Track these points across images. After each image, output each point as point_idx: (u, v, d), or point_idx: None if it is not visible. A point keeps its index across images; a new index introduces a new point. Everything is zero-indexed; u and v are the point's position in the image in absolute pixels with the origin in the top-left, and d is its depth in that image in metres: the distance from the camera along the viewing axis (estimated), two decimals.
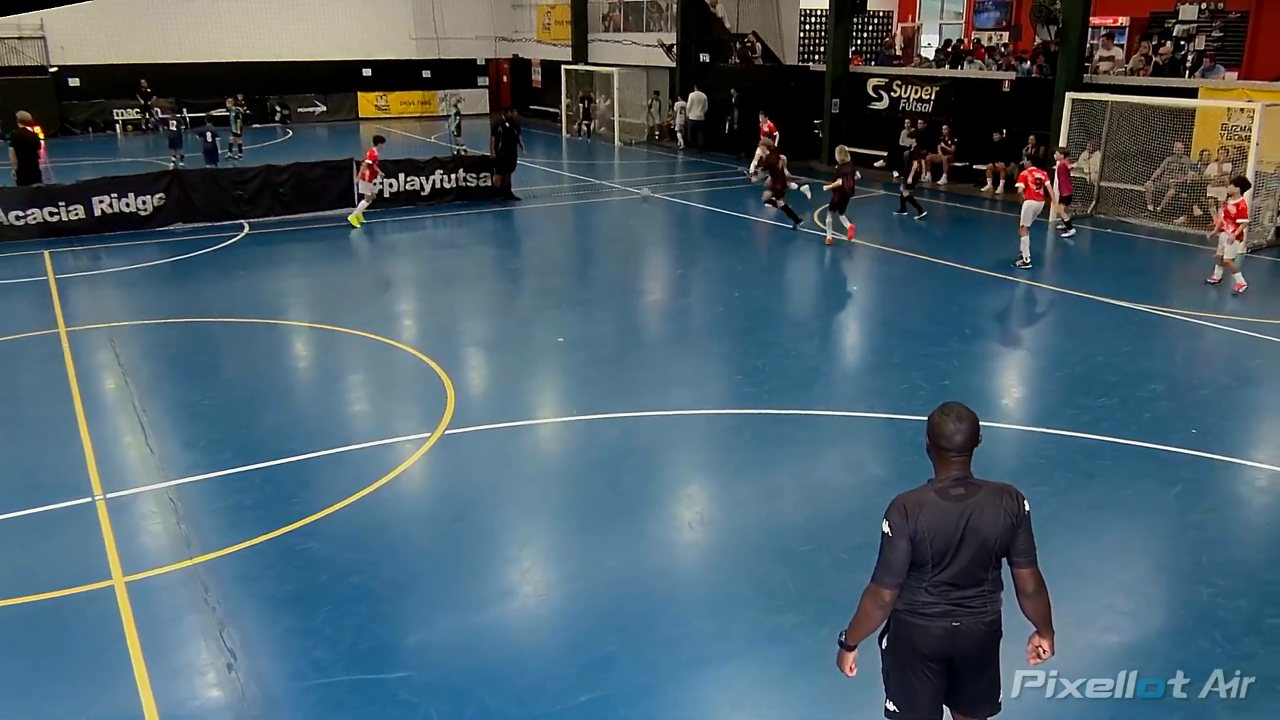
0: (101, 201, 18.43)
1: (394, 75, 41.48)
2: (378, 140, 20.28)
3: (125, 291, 15.16)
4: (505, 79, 43.94)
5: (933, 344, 12.46)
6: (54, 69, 34.64)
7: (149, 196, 18.83)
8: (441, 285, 16.04)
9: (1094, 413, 10.10)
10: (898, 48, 31.87)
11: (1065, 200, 18.40)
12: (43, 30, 34.56)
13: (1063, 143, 20.01)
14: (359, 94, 41.01)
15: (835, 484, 8.78)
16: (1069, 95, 20.79)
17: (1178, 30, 25.04)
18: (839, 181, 17.67)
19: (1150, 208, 20.04)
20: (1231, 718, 5.75)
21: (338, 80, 40.31)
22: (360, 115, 40.87)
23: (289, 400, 10.88)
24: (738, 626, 6.56)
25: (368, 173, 19.81)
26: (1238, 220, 14.39)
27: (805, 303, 15.74)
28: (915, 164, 20.68)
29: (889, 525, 4.20)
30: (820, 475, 8.99)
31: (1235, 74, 23.08)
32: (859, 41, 32.12)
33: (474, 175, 22.06)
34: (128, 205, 18.67)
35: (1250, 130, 17.67)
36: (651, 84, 35.06)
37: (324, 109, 40.21)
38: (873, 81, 27.21)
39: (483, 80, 43.83)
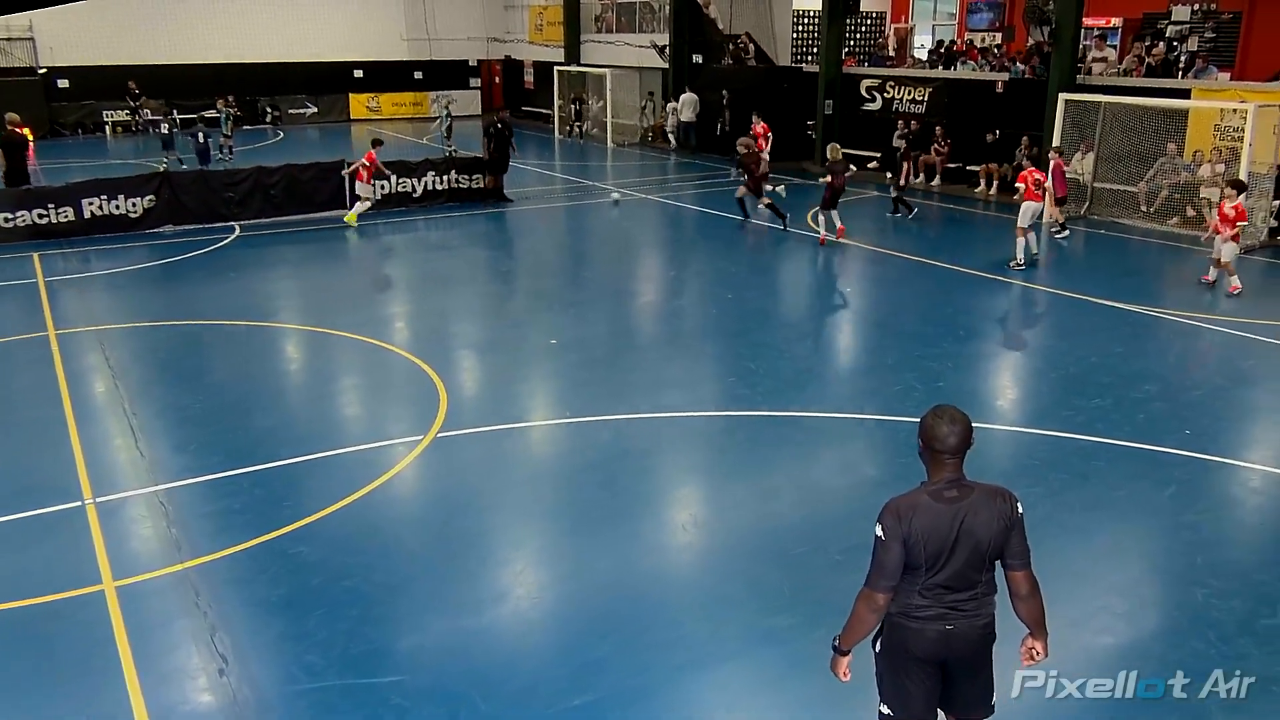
0: (91, 203, 18.35)
1: (385, 76, 41.40)
2: (376, 143, 20.24)
3: (115, 294, 15.10)
4: (497, 80, 43.89)
5: (927, 345, 12.46)
6: (43, 70, 34.50)
7: (139, 198, 18.76)
8: (434, 287, 15.99)
9: (1088, 414, 10.09)
10: (891, 49, 31.85)
11: (1060, 201, 18.41)
12: (32, 31, 34.43)
13: (1056, 143, 20.01)
14: (350, 95, 40.93)
15: (829, 485, 8.76)
16: (1062, 96, 20.83)
17: (1170, 31, 25.09)
18: (829, 177, 17.75)
19: (1144, 208, 20.07)
20: (1228, 718, 5.74)
21: (329, 81, 40.21)
22: (352, 117, 40.79)
23: (280, 403, 10.83)
24: (731, 629, 6.54)
25: (364, 174, 19.76)
26: (1236, 223, 14.40)
27: (798, 304, 15.73)
28: (905, 164, 20.66)
29: (882, 529, 4.18)
30: (814, 477, 8.97)
31: (1228, 75, 23.10)
32: (852, 42, 32.08)
33: (466, 177, 22.01)
34: (118, 207, 18.60)
35: (1243, 131, 17.70)
36: (644, 85, 35.03)
37: (315, 110, 40.11)
38: (866, 82, 27.22)
39: (475, 81, 43.78)
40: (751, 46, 30.38)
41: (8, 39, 34.12)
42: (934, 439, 4.19)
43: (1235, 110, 18.56)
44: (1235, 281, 14.50)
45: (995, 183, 23.34)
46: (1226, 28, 25.43)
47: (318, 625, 6.53)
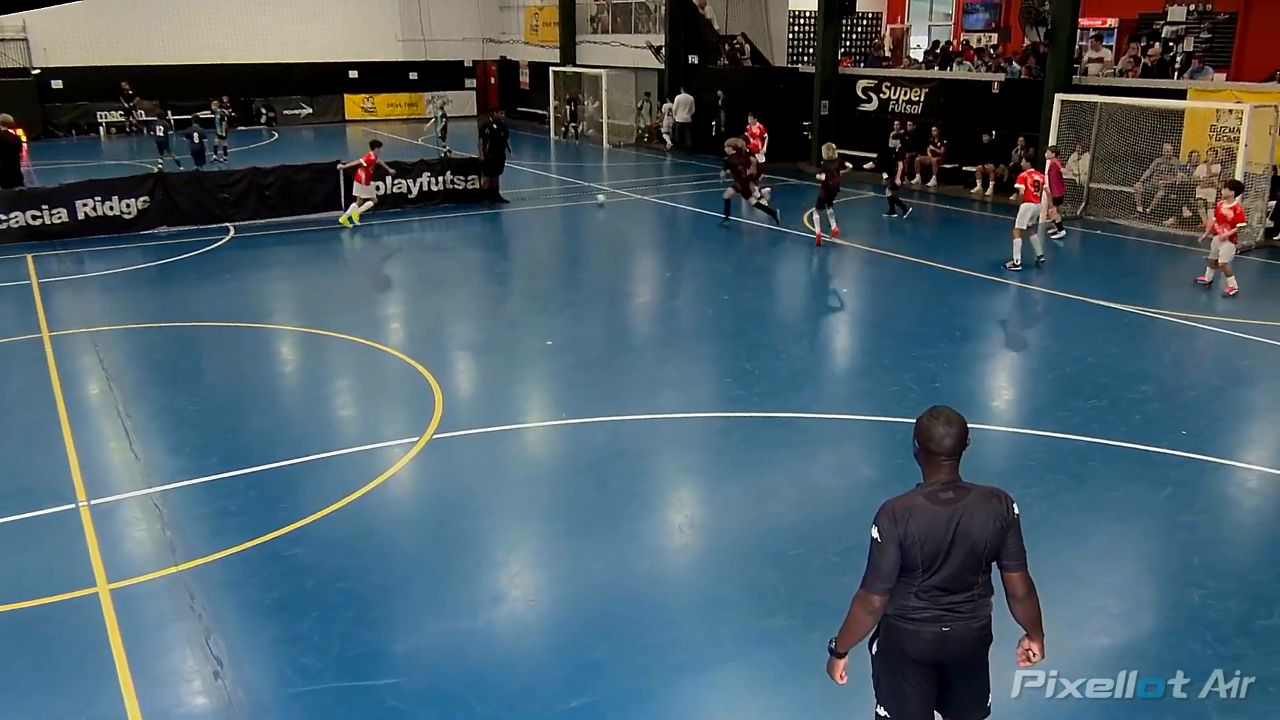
0: (85, 205, 18.30)
1: (380, 77, 41.33)
2: (374, 144, 20.21)
3: (109, 296, 15.05)
4: (493, 81, 43.86)
5: (923, 346, 12.45)
6: (36, 71, 34.39)
7: (133, 199, 18.71)
8: (429, 288, 15.96)
9: (1084, 414, 10.09)
10: (887, 49, 31.87)
11: (1057, 201, 18.42)
12: (25, 32, 34.33)
13: (1051, 143, 20.00)
14: (345, 96, 40.82)
15: (826, 486, 8.75)
16: (1058, 97, 20.82)
17: (1166, 31, 25.11)
18: (823, 175, 17.86)
19: (1140, 209, 20.09)
20: (1226, 718, 5.74)
21: (324, 82, 40.12)
22: (346, 117, 40.71)
23: (275, 405, 10.80)
24: (728, 630, 6.53)
25: (362, 175, 19.75)
26: (1235, 224, 14.41)
27: (795, 305, 15.72)
28: (899, 164, 20.64)
29: (878, 531, 4.18)
30: (810, 478, 8.95)
31: (1224, 75, 23.14)
32: (848, 43, 32.10)
33: (462, 178, 21.98)
34: (111, 208, 18.55)
35: (1239, 132, 17.73)
36: (640, 86, 35.02)
37: (310, 111, 40.01)
38: (862, 83, 27.23)
39: (470, 82, 43.74)
40: (747, 47, 30.37)
41: (1, 39, 34.03)
42: (930, 440, 4.18)
43: (1231, 111, 18.59)
44: (1231, 282, 14.50)
45: (991, 183, 23.36)
46: (1222, 28, 25.47)
47: (313, 628, 6.50)
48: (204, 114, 28.03)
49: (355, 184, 19.87)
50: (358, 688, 5.94)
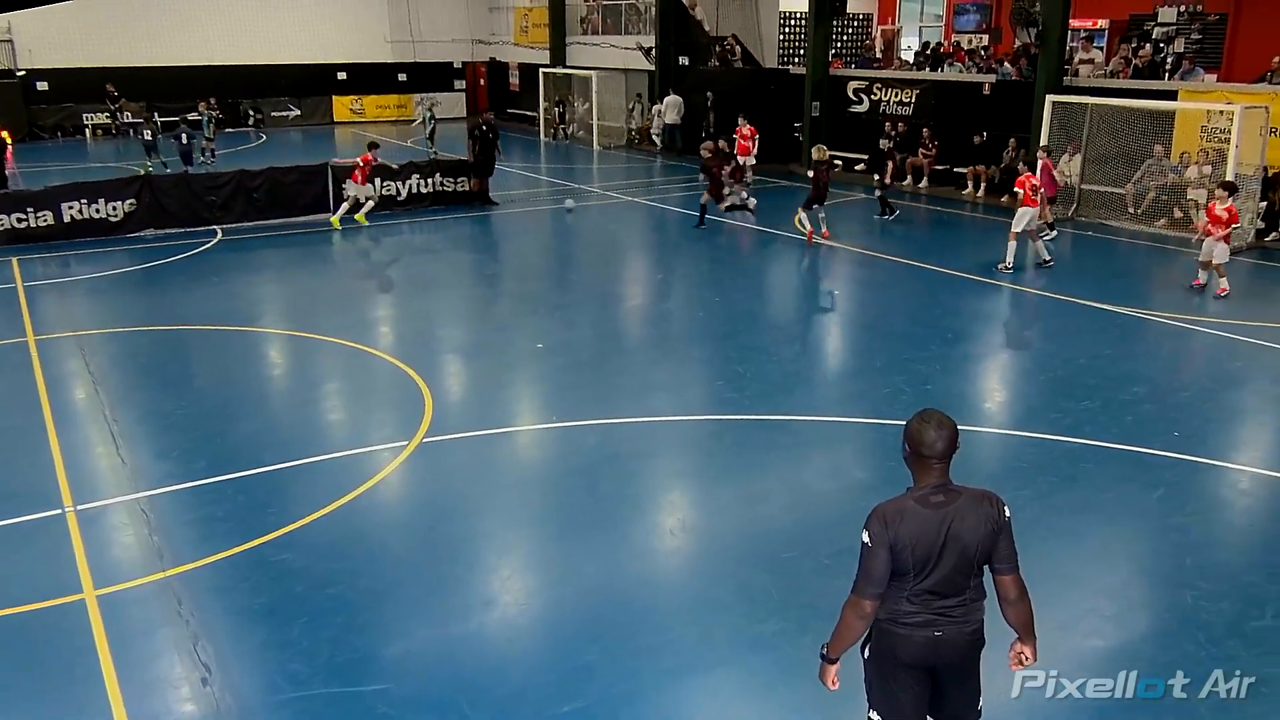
0: (71, 207, 18.19)
1: (369, 78, 41.22)
2: (372, 145, 20.20)
3: (96, 299, 14.98)
4: (482, 82, 43.77)
5: (915, 348, 12.44)
6: (22, 73, 34.20)
7: (120, 202, 18.61)
8: (418, 291, 15.91)
9: (1076, 416, 10.08)
10: (878, 50, 31.94)
11: (1050, 201, 18.45)
12: (10, 33, 34.11)
13: (1043, 143, 20.02)
14: (334, 97, 40.70)
15: (817, 489, 8.73)
16: (1049, 98, 20.87)
17: (1157, 33, 25.21)
18: (811, 173, 18.05)
19: (1131, 210, 20.12)
20: (1218, 718, 5.74)
21: (312, 84, 40.00)
22: (335, 119, 40.60)
23: (263, 409, 10.73)
24: (720, 634, 6.50)
25: (358, 174, 19.70)
26: (1230, 224, 14.42)
27: (786, 307, 15.70)
28: (889, 164, 20.64)
29: (869, 535, 4.15)
30: (802, 480, 8.93)
31: (1214, 76, 23.25)
32: (839, 44, 32.17)
33: (451, 180, 21.93)
34: (98, 211, 18.44)
35: (1229, 133, 17.77)
36: (631, 87, 34.97)
37: (298, 113, 39.90)
38: (853, 84, 27.23)
39: (459, 84, 43.66)
40: (738, 48, 30.38)
41: None
42: (921, 444, 4.16)
43: (1221, 112, 18.62)
44: (1223, 283, 14.52)
45: (983, 185, 23.36)
46: (1212, 29, 25.57)
47: (302, 633, 6.46)
48: (191, 116, 27.87)
49: (350, 183, 19.82)
50: (347, 694, 5.89)
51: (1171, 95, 20.45)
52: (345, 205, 19.91)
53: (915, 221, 21.37)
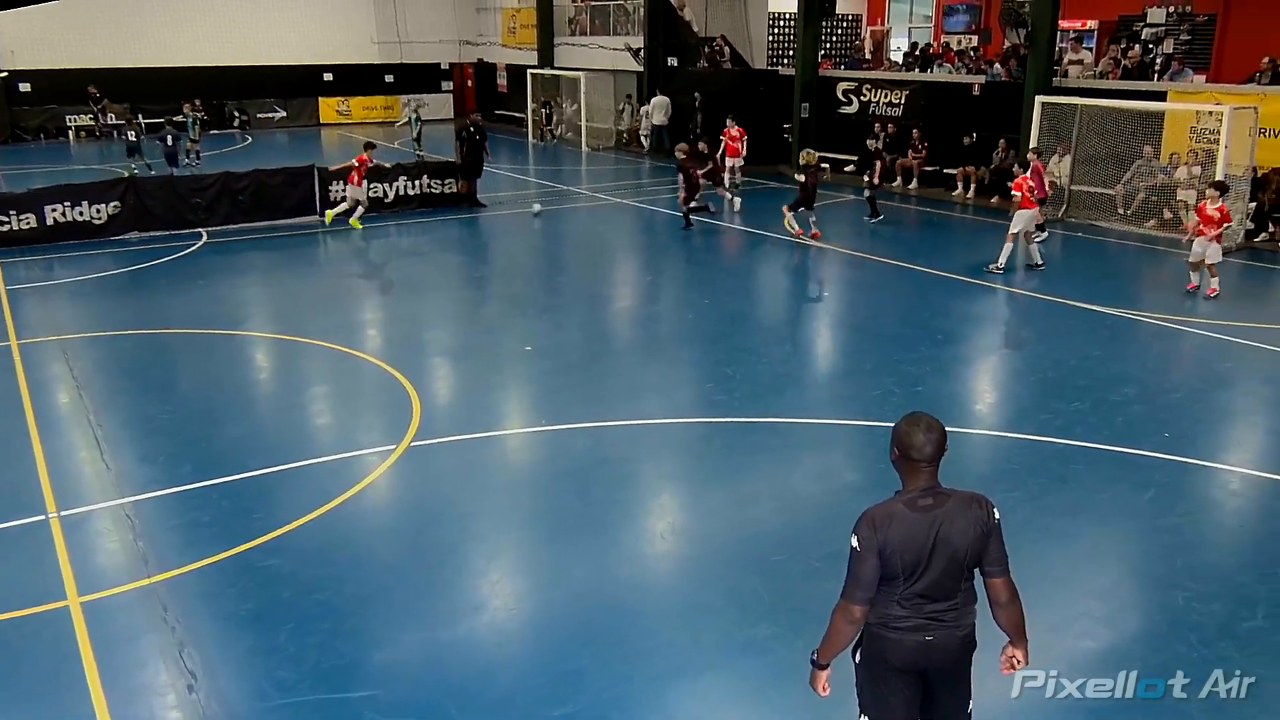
0: (54, 210, 18.04)
1: (356, 80, 41.03)
2: (369, 145, 20.17)
3: (79, 303, 14.88)
4: (470, 84, 43.68)
5: (905, 349, 12.42)
6: (4, 74, 33.85)
7: (103, 205, 18.47)
8: (406, 294, 15.85)
9: (1066, 417, 10.07)
10: (867, 51, 31.97)
11: (1041, 202, 18.46)
12: None
13: (1033, 144, 20.02)
14: (320, 99, 40.51)
15: (808, 491, 8.70)
16: (1039, 99, 20.90)
17: (1146, 33, 25.29)
18: (802, 176, 18.09)
19: (1121, 211, 20.16)
20: (1210, 718, 5.75)
21: (298, 85, 39.79)
22: (321, 121, 40.41)
23: (249, 413, 10.64)
24: (710, 638, 6.47)
25: (355, 176, 19.68)
26: (1222, 224, 14.43)
27: (776, 308, 15.68)
28: (878, 164, 20.63)
29: (857, 540, 4.13)
30: (793, 483, 8.89)
31: (1203, 77, 23.32)
32: (828, 45, 32.18)
33: (439, 182, 21.87)
34: (81, 214, 18.30)
35: (1219, 133, 17.81)
36: (619, 88, 34.92)
37: (284, 114, 39.68)
38: (842, 85, 27.24)
39: (447, 85, 43.54)
40: (727, 49, 30.37)
41: None
42: (910, 447, 4.14)
43: (1210, 113, 18.67)
44: (1214, 284, 14.54)
45: (972, 186, 23.38)
46: (1201, 30, 25.67)
47: (288, 639, 6.41)
48: (177, 118, 27.72)
49: (350, 186, 19.80)
50: (335, 700, 5.85)
51: (1161, 96, 20.52)
52: (344, 206, 19.88)
53: (905, 223, 21.39)
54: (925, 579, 4.11)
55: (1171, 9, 25.77)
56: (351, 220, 19.80)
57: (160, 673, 6.10)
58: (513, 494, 8.68)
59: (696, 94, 29.51)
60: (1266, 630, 6.52)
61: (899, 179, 24.48)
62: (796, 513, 8.30)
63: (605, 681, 6.03)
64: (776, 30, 32.06)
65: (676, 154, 20.08)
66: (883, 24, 35.04)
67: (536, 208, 21.84)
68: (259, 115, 39.05)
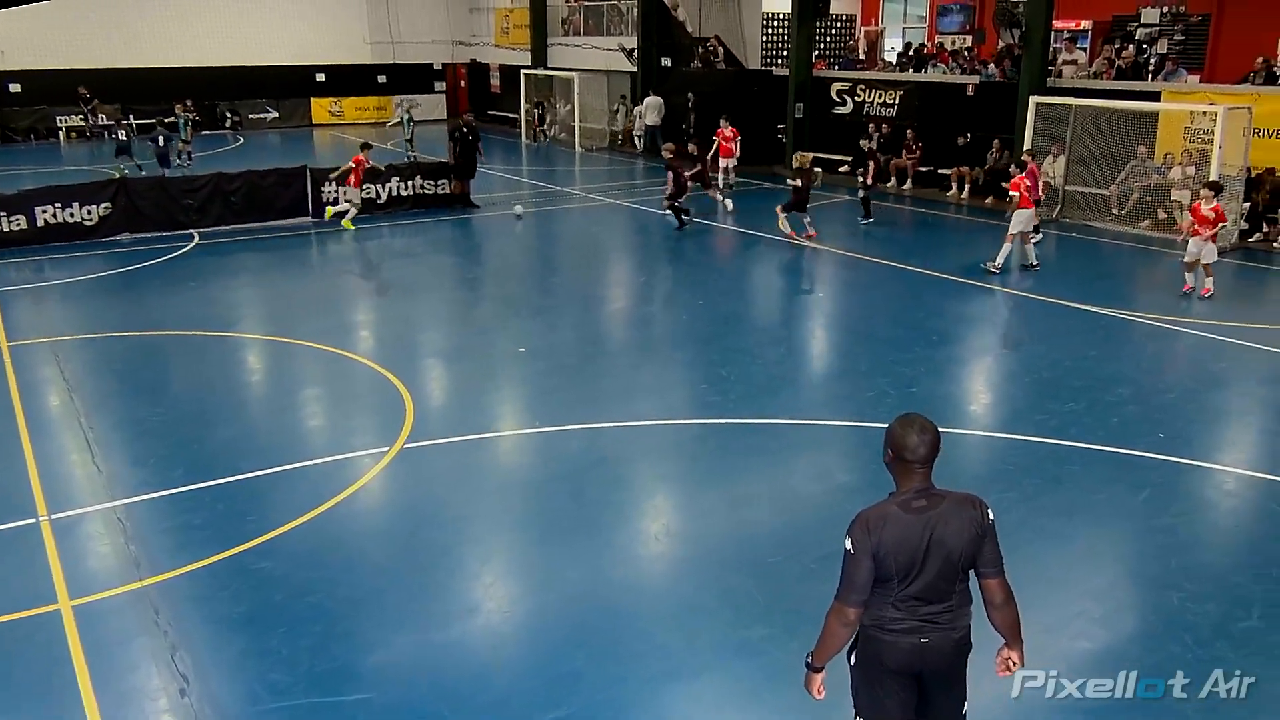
0: (45, 211, 17.95)
1: (348, 80, 40.95)
2: (364, 146, 20.18)
3: (70, 304, 14.83)
4: (463, 84, 43.63)
5: (899, 350, 12.41)
6: None
7: (94, 206, 18.38)
8: (399, 295, 15.81)
9: (1061, 418, 10.07)
10: (861, 52, 31.98)
11: (1035, 204, 18.45)
12: None
13: (1027, 146, 20.03)
14: (312, 100, 40.44)
15: (802, 493, 8.69)
16: (1033, 99, 20.91)
17: (1140, 34, 25.34)
18: (798, 181, 18.12)
19: (1115, 211, 20.17)
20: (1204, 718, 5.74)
21: (290, 86, 39.68)
22: (314, 121, 40.33)
23: (242, 415, 10.60)
24: (706, 639, 6.45)
25: (354, 177, 19.69)
26: (1217, 224, 14.44)
27: (770, 309, 15.67)
28: (871, 164, 20.61)
29: (851, 542, 4.12)
30: (787, 484, 8.88)
31: (1197, 77, 23.36)
32: (822, 45, 32.19)
33: (432, 182, 21.83)
34: (72, 215, 18.21)
35: (1213, 133, 17.83)
36: (613, 89, 34.89)
37: (276, 115, 39.59)
38: (836, 86, 27.23)
39: (440, 85, 43.49)
40: (721, 50, 30.38)
41: None
42: (904, 449, 4.13)
43: (1205, 113, 18.68)
44: (1208, 284, 14.54)
45: (967, 186, 23.39)
46: (1195, 30, 25.71)
47: (281, 642, 6.37)
48: (168, 118, 27.64)
49: (349, 188, 19.83)
50: (328, 704, 5.82)
51: (1155, 96, 20.54)
52: (344, 207, 19.90)
53: (899, 223, 21.39)
54: (920, 581, 4.10)
55: (1165, 9, 25.81)
56: (344, 221, 19.78)
57: (152, 676, 6.07)
58: (506, 496, 8.65)
59: (690, 94, 29.50)
60: (1262, 630, 6.51)
61: (893, 179, 24.47)
62: (791, 514, 8.28)
63: (599, 684, 6.01)
64: (770, 30, 32.08)
65: (663, 153, 20.09)
66: (877, 24, 35.06)
67: (518, 209, 21.70)
68: (251, 116, 38.96)
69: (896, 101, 25.72)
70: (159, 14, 36.09)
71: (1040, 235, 18.56)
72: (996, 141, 22.30)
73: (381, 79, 41.61)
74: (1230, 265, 16.95)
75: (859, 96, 26.67)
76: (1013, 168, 16.92)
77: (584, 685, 5.99)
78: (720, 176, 23.59)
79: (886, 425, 4.24)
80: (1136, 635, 6.53)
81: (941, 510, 4.11)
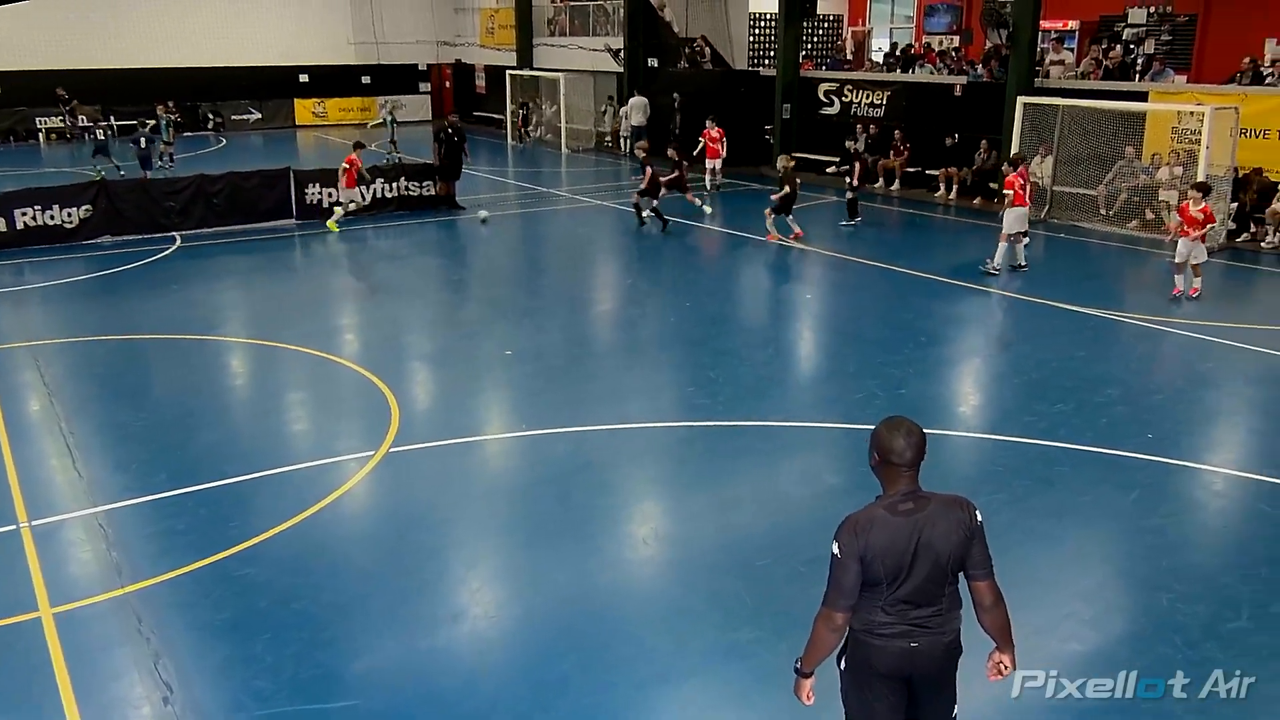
0: (24, 214, 17.82)
1: (332, 81, 40.81)
2: (357, 145, 20.17)
3: (50, 308, 14.73)
4: (448, 85, 43.52)
5: (888, 351, 12.41)
6: None
7: (75, 208, 18.24)
8: (384, 298, 15.74)
9: (1050, 419, 10.06)
10: (848, 52, 32.01)
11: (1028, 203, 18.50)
12: None
13: (1015, 147, 20.05)
14: (295, 100, 40.30)
15: (791, 495, 8.66)
16: (1020, 99, 20.96)
17: (1127, 34, 25.41)
18: (787, 188, 18.09)
19: (1103, 212, 20.21)
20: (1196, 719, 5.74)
21: (273, 86, 39.54)
22: (297, 122, 40.17)
23: (225, 420, 10.51)
24: (694, 643, 6.42)
25: (349, 178, 19.64)
26: (1206, 224, 14.46)
27: (759, 311, 15.65)
28: (858, 165, 20.59)
29: (838, 547, 4.09)
30: (776, 486, 8.86)
31: (1184, 77, 23.43)
32: (809, 46, 32.19)
33: (417, 184, 21.76)
34: (52, 217, 18.07)
35: (1200, 134, 17.88)
36: (599, 89, 34.85)
37: (259, 116, 39.44)
38: (824, 86, 27.25)
39: (424, 86, 43.37)
40: (707, 50, 30.37)
41: None
42: (890, 452, 4.11)
43: (1192, 113, 18.74)
44: (1196, 284, 14.57)
45: (954, 186, 23.42)
46: (1182, 30, 25.81)
47: (266, 649, 6.32)
48: (150, 120, 27.48)
49: (343, 190, 19.85)
50: (313, 711, 5.77)
51: (1142, 96, 20.60)
52: (343, 208, 19.86)
53: (887, 224, 21.41)
54: (908, 584, 4.08)
55: (1152, 9, 25.91)
56: (329, 223, 19.70)
57: (135, 684, 6.00)
58: (493, 500, 8.60)
59: (676, 95, 29.48)
60: (1250, 631, 6.51)
61: (881, 180, 24.49)
62: (780, 516, 8.25)
63: (587, 688, 5.97)
64: (757, 31, 32.06)
65: (637, 151, 20.06)
66: (864, 25, 35.11)
67: (483, 214, 21.32)
68: (234, 117, 38.82)
69: (884, 102, 25.75)
70: (140, 14, 35.86)
71: (1029, 238, 18.58)
72: (984, 142, 22.34)
73: (366, 80, 41.49)
74: (1218, 265, 16.98)
75: (846, 97, 26.69)
76: (1005, 166, 16.90)
77: (572, 690, 5.95)
78: (707, 177, 23.55)
79: (874, 427, 4.21)
80: (1127, 636, 6.51)
81: (929, 513, 4.09)
